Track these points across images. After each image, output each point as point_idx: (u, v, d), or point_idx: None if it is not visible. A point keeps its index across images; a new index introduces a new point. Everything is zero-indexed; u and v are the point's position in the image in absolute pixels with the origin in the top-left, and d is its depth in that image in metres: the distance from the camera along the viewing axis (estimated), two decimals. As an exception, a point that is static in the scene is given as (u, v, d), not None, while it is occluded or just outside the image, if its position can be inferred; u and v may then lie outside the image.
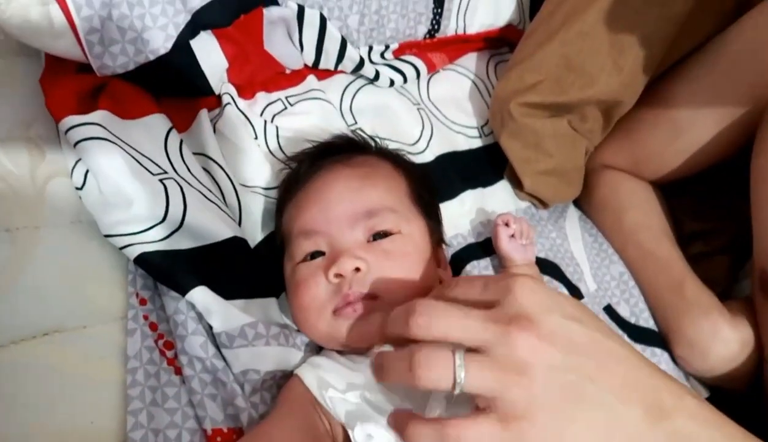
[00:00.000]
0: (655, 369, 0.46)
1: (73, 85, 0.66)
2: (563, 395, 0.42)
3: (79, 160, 0.63)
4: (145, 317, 0.60)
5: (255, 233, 0.71)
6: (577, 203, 1.01)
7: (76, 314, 0.58)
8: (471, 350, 0.43)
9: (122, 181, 0.61)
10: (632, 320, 0.88)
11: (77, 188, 0.63)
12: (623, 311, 0.89)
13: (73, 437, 0.52)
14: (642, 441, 0.43)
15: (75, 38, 0.63)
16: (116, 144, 0.62)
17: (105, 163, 0.61)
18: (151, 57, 0.67)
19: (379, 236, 0.60)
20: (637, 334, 0.87)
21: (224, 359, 0.58)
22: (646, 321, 0.88)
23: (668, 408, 0.44)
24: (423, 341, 0.44)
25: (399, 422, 0.44)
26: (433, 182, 0.75)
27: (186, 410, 0.56)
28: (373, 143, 0.75)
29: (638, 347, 0.85)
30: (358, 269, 0.57)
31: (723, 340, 0.82)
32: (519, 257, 0.78)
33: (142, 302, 0.61)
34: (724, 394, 0.86)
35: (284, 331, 0.62)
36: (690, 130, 0.88)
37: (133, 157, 0.63)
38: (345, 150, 0.70)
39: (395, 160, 0.71)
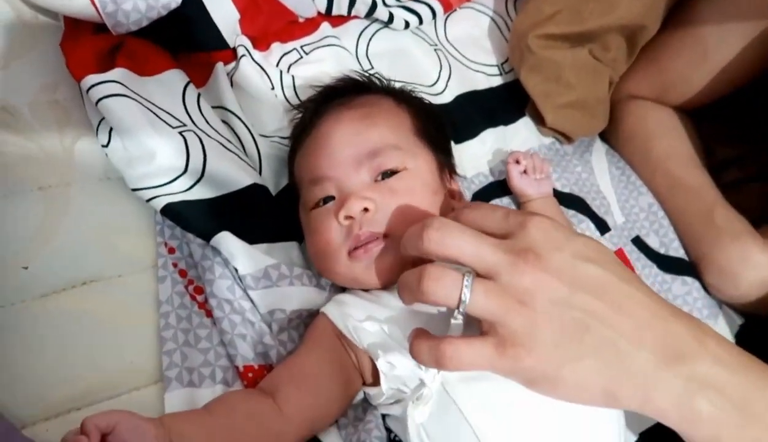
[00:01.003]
0: (677, 315, 0.45)
1: (92, 46, 0.67)
2: (565, 330, 0.42)
3: (103, 119, 0.65)
4: (174, 265, 0.63)
5: (276, 181, 0.73)
6: (604, 138, 0.99)
7: (110, 265, 0.61)
8: (480, 277, 0.44)
9: (143, 135, 0.63)
10: (662, 251, 0.87)
11: (103, 146, 0.66)
12: (652, 242, 0.88)
13: (114, 375, 0.56)
14: (651, 383, 0.42)
15: (88, -2, 0.64)
16: (135, 100, 0.64)
17: (126, 119, 0.63)
18: (163, 12, 0.68)
19: (386, 174, 0.60)
20: (667, 264, 0.86)
21: (251, 300, 0.61)
22: (676, 251, 0.87)
23: (687, 353, 0.43)
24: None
25: (411, 338, 0.46)
26: (439, 115, 0.74)
27: (218, 350, 0.59)
28: (376, 81, 0.74)
29: (668, 276, 0.84)
30: (366, 210, 0.57)
31: (754, 264, 0.81)
32: (533, 192, 0.78)
33: (171, 250, 0.64)
34: (760, 320, 0.85)
35: (307, 272, 0.64)
36: (717, 50, 0.85)
37: (152, 112, 0.65)
38: (347, 92, 0.69)
39: (397, 96, 0.70)
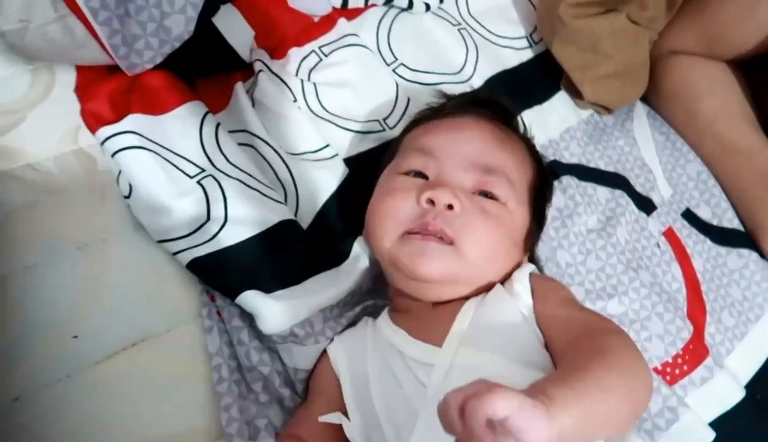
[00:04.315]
0: None
1: (106, 89, 0.66)
2: None
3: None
4: (219, 313, 0.62)
5: (315, 202, 0.70)
6: (644, 98, 0.93)
7: (157, 320, 0.61)
8: None
9: (159, 191, 0.61)
10: (714, 222, 0.83)
11: (125, 197, 0.64)
12: (704, 214, 0.84)
13: (175, 439, 0.57)
14: None
15: (99, 45, 0.62)
16: (151, 150, 0.62)
17: (141, 174, 0.62)
18: (177, 44, 0.65)
19: (487, 195, 0.58)
20: (721, 236, 0.82)
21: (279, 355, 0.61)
22: (730, 221, 0.83)
23: None
24: None
25: None
26: (550, 195, 0.71)
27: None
28: (520, 125, 0.72)
29: (723, 250, 0.81)
30: (451, 207, 0.56)
31: None
32: None
33: (212, 298, 0.63)
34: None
35: (342, 317, 0.62)
36: (768, -2, 0.78)
37: (169, 161, 0.63)
38: (494, 110, 0.67)
39: (532, 149, 0.68)
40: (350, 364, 0.57)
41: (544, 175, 0.68)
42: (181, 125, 0.66)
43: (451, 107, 0.66)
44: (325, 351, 0.59)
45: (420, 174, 0.59)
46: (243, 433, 0.56)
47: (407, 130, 0.68)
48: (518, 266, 0.61)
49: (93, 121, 0.63)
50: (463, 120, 0.63)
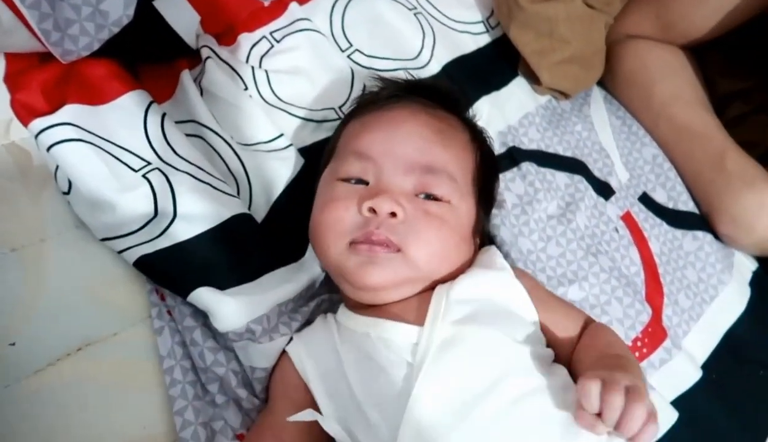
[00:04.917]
0: None
1: (39, 78, 0.61)
2: None
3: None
4: (170, 313, 0.59)
5: (269, 194, 0.68)
6: (601, 82, 0.93)
7: (104, 323, 0.58)
8: None
9: (102, 186, 0.58)
10: (670, 205, 0.84)
11: (64, 193, 0.60)
12: (660, 197, 0.84)
13: (127, 448, 0.54)
14: None
15: (28, 30, 0.57)
16: (90, 143, 0.59)
17: (81, 169, 0.58)
18: (115, 29, 0.61)
19: (429, 196, 0.57)
20: (676, 219, 0.83)
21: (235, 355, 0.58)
22: (685, 204, 0.84)
23: None
24: None
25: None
26: (497, 179, 0.70)
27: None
28: (467, 110, 0.69)
29: (678, 233, 0.82)
30: (393, 215, 0.54)
31: None
32: None
33: (162, 298, 0.60)
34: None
35: (298, 313, 0.60)
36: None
37: (111, 154, 0.59)
38: (434, 97, 0.64)
39: (476, 134, 0.65)
40: (317, 361, 0.55)
41: (489, 156, 0.66)
42: (123, 116, 0.62)
43: (386, 98, 0.63)
44: (284, 353, 0.57)
45: (361, 180, 0.57)
46: (198, 437, 0.54)
47: (344, 122, 0.65)
48: (475, 252, 0.61)
49: (25, 112, 0.59)
50: (399, 114, 0.60)
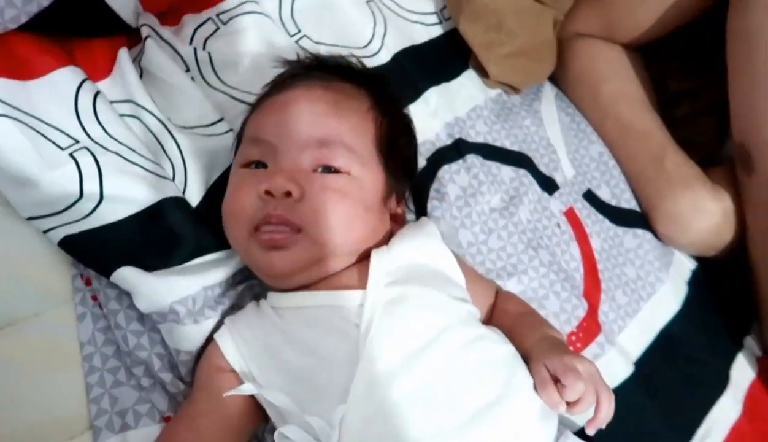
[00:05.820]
0: None
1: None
2: None
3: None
4: (94, 298, 0.58)
5: (206, 179, 0.66)
6: (553, 79, 0.94)
7: (24, 303, 0.56)
8: None
9: (26, 162, 0.56)
10: (613, 203, 0.85)
11: (-14, 169, 0.58)
12: (603, 194, 0.86)
13: (41, 428, 0.53)
14: None
15: (-52, -1, 0.55)
16: (14, 119, 0.56)
17: (4, 144, 0.55)
18: (45, 2, 0.59)
19: (327, 169, 0.56)
20: (619, 216, 0.84)
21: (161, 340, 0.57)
22: (628, 202, 0.86)
23: None
24: None
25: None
26: (414, 142, 0.69)
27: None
28: (365, 75, 0.67)
29: (620, 230, 0.83)
30: (289, 194, 0.54)
31: (705, 212, 0.80)
32: None
33: (88, 282, 0.59)
34: (711, 262, 0.85)
35: (226, 296, 0.59)
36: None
37: (37, 131, 0.57)
38: (332, 70, 0.63)
39: (378, 99, 0.63)
40: (253, 342, 0.54)
41: (397, 120, 0.65)
42: (52, 92, 0.60)
43: (285, 78, 0.63)
44: (213, 341, 0.56)
45: (261, 163, 0.57)
46: (113, 426, 0.53)
47: (251, 110, 0.64)
48: (397, 221, 0.63)
49: (-55, 83, 0.57)
50: (293, 93, 0.59)
